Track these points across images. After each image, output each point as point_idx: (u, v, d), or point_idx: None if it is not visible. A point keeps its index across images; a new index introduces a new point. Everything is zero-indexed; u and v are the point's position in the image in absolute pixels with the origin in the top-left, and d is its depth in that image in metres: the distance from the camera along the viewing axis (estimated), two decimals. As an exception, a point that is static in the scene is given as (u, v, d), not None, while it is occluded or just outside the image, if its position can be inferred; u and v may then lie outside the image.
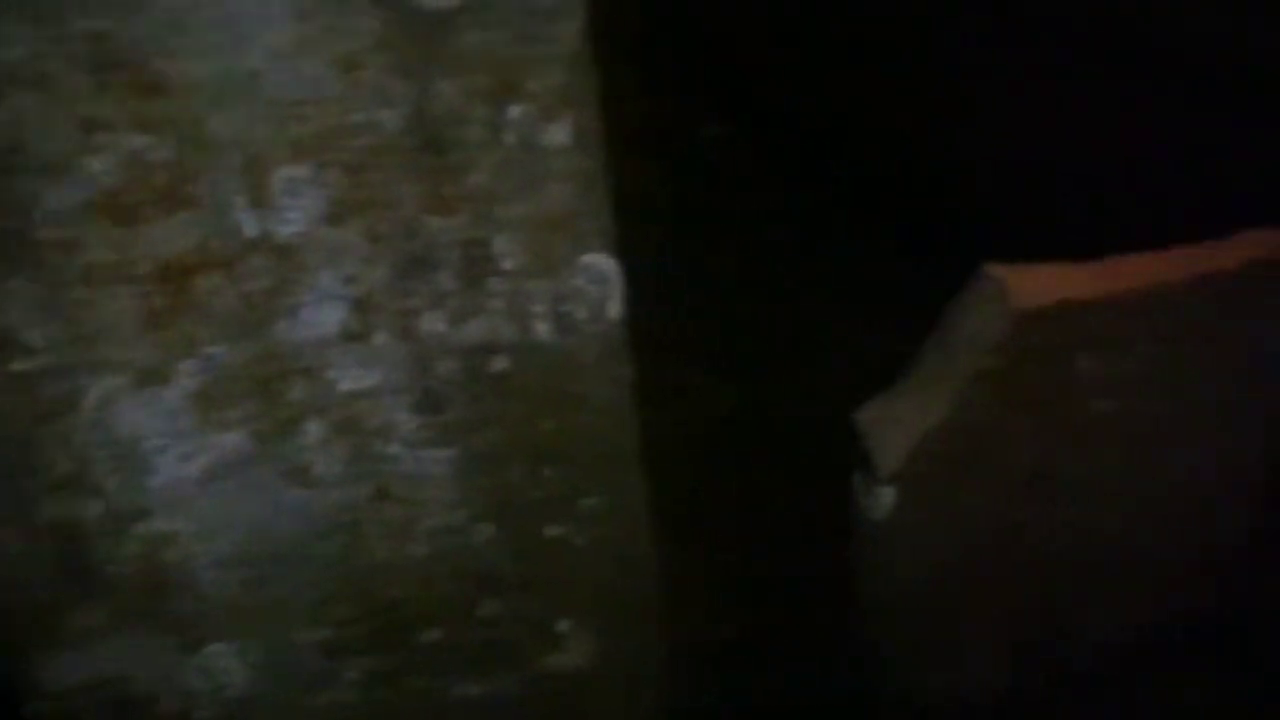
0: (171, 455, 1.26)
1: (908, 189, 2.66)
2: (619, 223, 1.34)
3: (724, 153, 3.07)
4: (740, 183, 2.98)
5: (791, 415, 2.32)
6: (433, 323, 1.30)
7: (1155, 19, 2.07)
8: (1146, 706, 1.82)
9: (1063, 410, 1.56)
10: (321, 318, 1.25)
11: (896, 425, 1.55)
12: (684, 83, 3.28)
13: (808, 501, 1.90)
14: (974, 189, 2.46)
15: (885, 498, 1.57)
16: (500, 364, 1.35)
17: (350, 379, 1.29)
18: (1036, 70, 2.32)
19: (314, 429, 1.30)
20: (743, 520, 2.14)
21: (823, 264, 2.69)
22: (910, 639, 1.74)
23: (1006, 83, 2.37)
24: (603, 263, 1.35)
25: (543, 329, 1.35)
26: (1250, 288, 1.55)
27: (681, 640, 1.66)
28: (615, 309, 1.37)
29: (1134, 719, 1.81)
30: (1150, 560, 1.75)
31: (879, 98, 2.73)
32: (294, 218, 1.20)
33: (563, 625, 1.51)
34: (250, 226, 1.19)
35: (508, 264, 1.30)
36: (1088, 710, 1.82)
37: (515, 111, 1.24)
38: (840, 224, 2.79)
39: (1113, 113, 2.19)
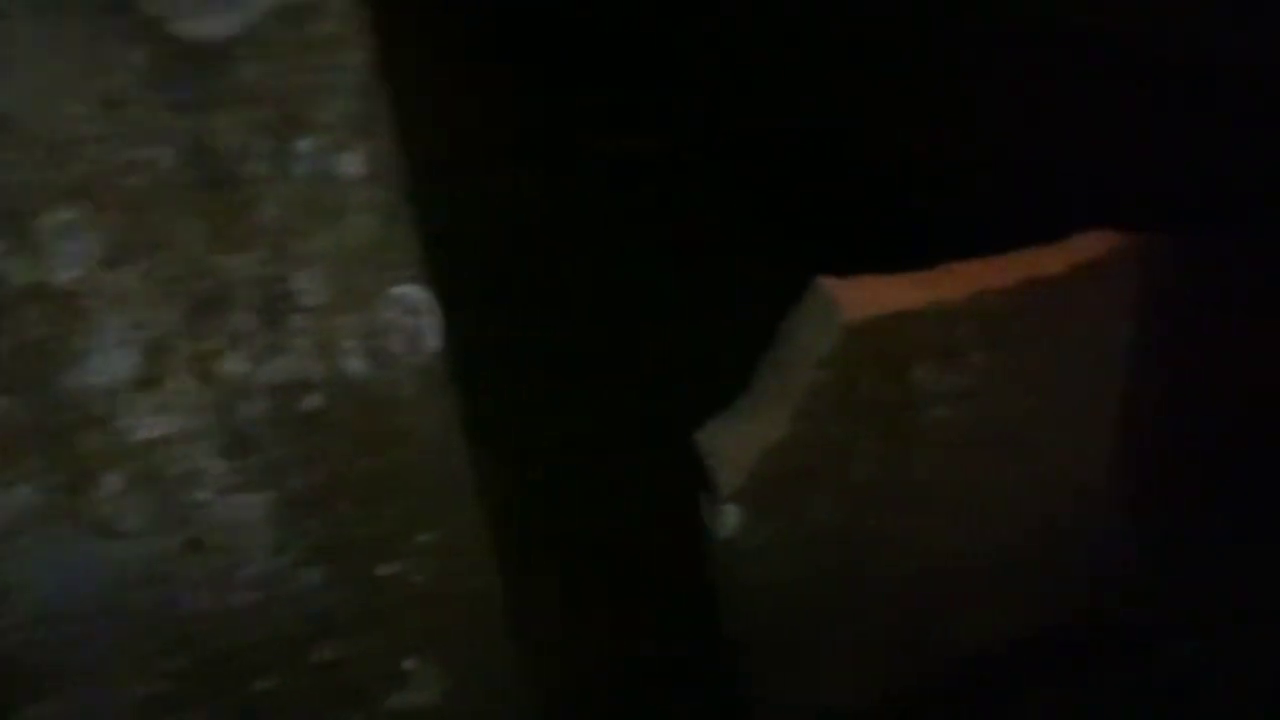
0: (-45, 515, 1.20)
1: (839, 207, 2.60)
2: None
3: (639, 166, 3.02)
4: (650, 197, 2.94)
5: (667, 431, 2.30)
6: (234, 363, 1.26)
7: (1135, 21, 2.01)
8: (1015, 713, 1.82)
9: (901, 420, 1.55)
10: (110, 365, 1.20)
11: (737, 444, 1.53)
12: (601, 88, 3.20)
13: (675, 518, 1.88)
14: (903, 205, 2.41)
15: (730, 516, 1.56)
16: (313, 402, 1.31)
17: (147, 426, 1.24)
18: (1011, 76, 2.27)
19: (112, 480, 1.25)
20: (607, 539, 2.11)
21: (733, 280, 2.66)
22: (772, 654, 1.73)
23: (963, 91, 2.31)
24: (415, 294, 1.31)
25: (355, 364, 1.31)
26: (1080, 289, 1.55)
27: (544, 668, 1.63)
28: (434, 340, 1.34)
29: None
30: (1005, 566, 1.74)
31: (809, 108, 2.68)
32: (69, 263, 1.15)
33: (408, 663, 1.47)
34: (19, 274, 1.13)
35: (310, 300, 1.26)
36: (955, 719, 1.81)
37: (304, 144, 1.20)
38: (756, 243, 2.75)
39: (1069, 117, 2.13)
